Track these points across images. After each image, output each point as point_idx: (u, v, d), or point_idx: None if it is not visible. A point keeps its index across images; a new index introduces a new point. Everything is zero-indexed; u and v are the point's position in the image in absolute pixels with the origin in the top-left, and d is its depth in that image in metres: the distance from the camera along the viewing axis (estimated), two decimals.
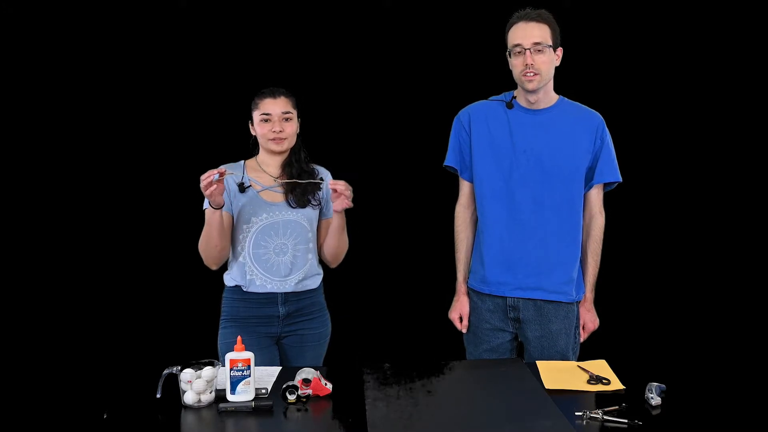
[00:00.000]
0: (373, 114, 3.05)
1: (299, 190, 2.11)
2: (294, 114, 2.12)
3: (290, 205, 2.10)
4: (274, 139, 2.08)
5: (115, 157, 3.02)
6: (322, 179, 2.17)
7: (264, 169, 2.15)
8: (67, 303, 3.03)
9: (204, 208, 2.05)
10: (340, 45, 3.03)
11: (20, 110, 2.97)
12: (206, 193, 1.89)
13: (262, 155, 2.17)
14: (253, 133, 2.16)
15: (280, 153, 2.13)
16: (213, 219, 2.00)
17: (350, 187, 1.98)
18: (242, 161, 2.17)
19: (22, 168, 2.99)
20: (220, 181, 1.88)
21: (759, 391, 1.73)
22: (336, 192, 1.97)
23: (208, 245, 2.04)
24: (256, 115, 2.10)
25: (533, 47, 2.00)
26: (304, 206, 2.11)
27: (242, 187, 2.08)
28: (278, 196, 2.12)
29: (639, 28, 2.99)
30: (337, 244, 2.15)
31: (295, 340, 2.15)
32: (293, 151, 2.15)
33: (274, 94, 2.10)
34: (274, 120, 2.08)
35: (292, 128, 2.11)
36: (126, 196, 3.03)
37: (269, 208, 2.09)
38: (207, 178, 1.86)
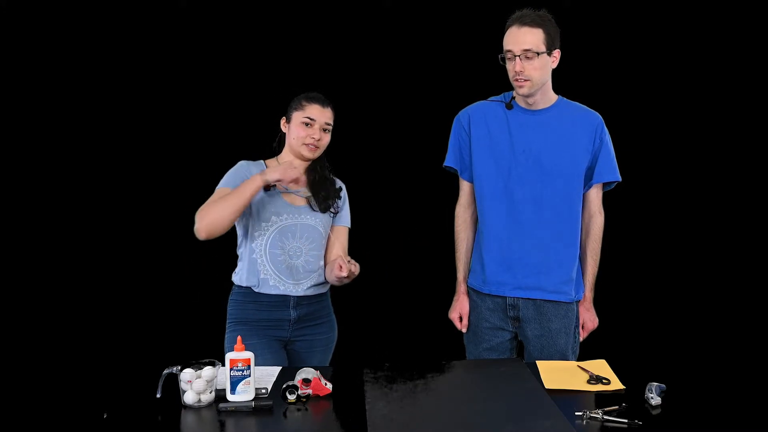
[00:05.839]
0: (373, 114, 3.05)
1: (323, 194, 2.12)
2: (331, 127, 2.14)
3: (312, 209, 2.11)
4: (309, 145, 2.08)
5: (116, 158, 3.02)
6: (341, 188, 2.20)
7: None
8: (67, 303, 3.03)
9: (232, 184, 2.05)
10: (340, 45, 3.03)
11: (21, 111, 2.97)
12: (285, 178, 1.97)
13: (286, 156, 2.16)
14: (283, 129, 2.15)
15: (308, 159, 2.13)
16: (250, 192, 1.96)
17: (356, 269, 1.96)
18: (261, 161, 2.16)
19: (24, 169, 3.00)
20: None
21: (759, 390, 1.73)
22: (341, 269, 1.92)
23: (224, 212, 1.93)
24: (298, 116, 2.09)
25: (522, 54, 1.99)
26: (325, 212, 2.13)
27: (268, 186, 2.07)
28: (299, 200, 2.12)
29: (639, 28, 2.99)
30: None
31: (303, 345, 2.14)
32: (319, 157, 2.16)
33: (323, 103, 2.11)
34: (316, 127, 2.08)
35: (327, 139, 2.13)
36: (126, 197, 3.03)
37: (290, 209, 2.09)
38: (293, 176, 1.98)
